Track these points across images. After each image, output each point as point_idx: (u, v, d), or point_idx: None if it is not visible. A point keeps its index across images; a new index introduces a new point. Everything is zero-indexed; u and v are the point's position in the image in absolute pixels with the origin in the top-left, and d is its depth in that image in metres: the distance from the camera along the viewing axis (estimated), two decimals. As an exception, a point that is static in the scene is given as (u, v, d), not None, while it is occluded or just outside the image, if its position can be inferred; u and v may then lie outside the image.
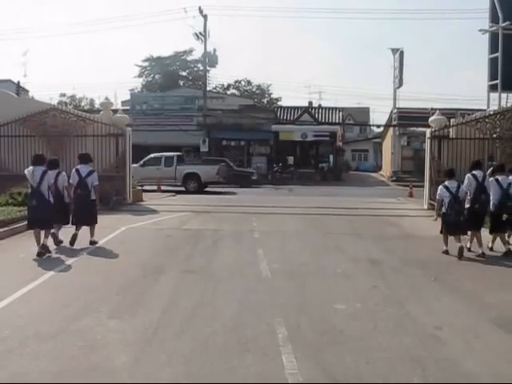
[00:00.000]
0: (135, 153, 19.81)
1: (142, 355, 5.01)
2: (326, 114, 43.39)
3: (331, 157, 40.18)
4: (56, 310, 6.42)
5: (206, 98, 38.86)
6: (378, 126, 54.96)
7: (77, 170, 10.98)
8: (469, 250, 10.32)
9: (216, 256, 9.87)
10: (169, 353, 5.06)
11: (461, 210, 10.24)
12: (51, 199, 9.94)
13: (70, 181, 10.88)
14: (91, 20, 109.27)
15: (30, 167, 9.99)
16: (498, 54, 25.24)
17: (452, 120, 18.25)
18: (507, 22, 25.00)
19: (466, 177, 10.72)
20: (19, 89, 37.74)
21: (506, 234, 10.59)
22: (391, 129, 42.16)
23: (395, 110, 40.18)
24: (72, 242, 10.35)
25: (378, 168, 54.53)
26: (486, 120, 17.01)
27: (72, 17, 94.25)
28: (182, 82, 61.45)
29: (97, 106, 49.19)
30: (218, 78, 69.00)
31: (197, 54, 57.33)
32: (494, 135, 16.82)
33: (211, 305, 6.72)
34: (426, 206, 17.41)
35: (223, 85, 63.24)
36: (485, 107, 25.02)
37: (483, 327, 5.97)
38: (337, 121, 42.81)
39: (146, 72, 63.49)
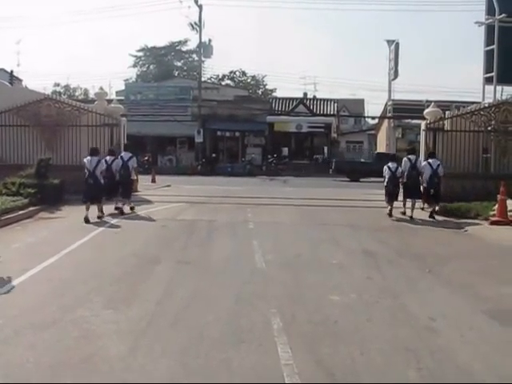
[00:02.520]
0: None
1: (137, 346, 5.00)
2: (321, 106, 43.32)
3: (326, 148, 40.17)
4: (51, 300, 6.40)
5: (201, 88, 38.70)
6: (373, 118, 54.78)
7: (121, 157, 14.19)
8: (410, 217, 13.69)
9: (211, 247, 9.87)
10: (164, 343, 5.06)
11: (397, 184, 13.98)
12: (102, 181, 13.03)
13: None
14: (85, 9, 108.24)
15: (88, 157, 13.08)
16: (494, 47, 25.23)
17: (447, 112, 18.26)
18: (503, 15, 24.99)
19: (403, 160, 14.27)
20: (12, 78, 37.45)
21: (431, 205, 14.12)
22: (386, 121, 42.17)
23: (390, 102, 40.17)
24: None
25: (372, 160, 54.46)
26: (481, 112, 17.04)
27: (66, 6, 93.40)
28: (176, 73, 61.18)
29: (91, 96, 49.01)
30: (213, 68, 68.93)
31: (192, 45, 57.07)
32: (489, 128, 16.86)
33: (206, 296, 6.71)
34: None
35: (218, 75, 62.94)
36: (480, 100, 25.07)
37: (478, 319, 5.99)
38: (332, 112, 42.74)
39: (140, 62, 63.18)
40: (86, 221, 11.95)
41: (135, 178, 14.96)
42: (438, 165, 13.99)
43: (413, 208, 13.80)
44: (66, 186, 15.27)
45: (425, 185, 13.97)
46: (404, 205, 14.02)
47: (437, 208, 14.00)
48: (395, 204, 13.93)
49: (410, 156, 14.22)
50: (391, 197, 13.91)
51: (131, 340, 5.14)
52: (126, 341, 5.13)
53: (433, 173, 13.78)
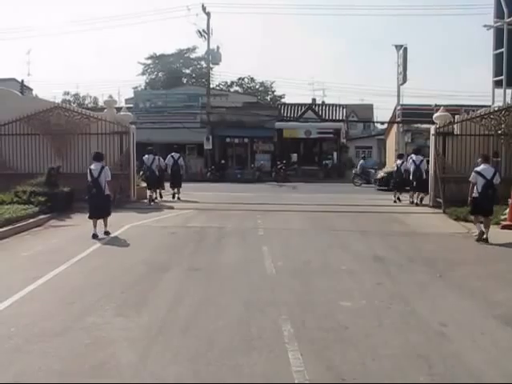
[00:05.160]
0: (139, 150, 19.78)
1: (148, 353, 5.01)
2: (330, 111, 43.22)
3: (335, 154, 40.08)
4: (61, 308, 6.43)
5: (210, 95, 38.78)
6: (382, 123, 54.58)
7: (172, 156, 19.69)
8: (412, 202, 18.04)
9: (220, 253, 9.87)
10: (174, 350, 5.06)
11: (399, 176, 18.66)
12: (157, 173, 18.38)
13: (166, 161, 19.47)
14: (94, 18, 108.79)
15: (146, 155, 18.45)
16: (503, 50, 25.07)
17: (456, 116, 18.16)
18: (512, 18, 24.82)
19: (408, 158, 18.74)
20: (23, 87, 37.80)
21: (415, 194, 17.91)
22: (395, 125, 41.97)
23: (399, 107, 39.98)
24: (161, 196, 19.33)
25: (381, 165, 54.35)
26: (491, 116, 16.94)
27: (75, 15, 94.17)
28: (185, 80, 61.43)
29: (100, 104, 49.17)
30: (221, 75, 68.99)
31: (200, 52, 57.23)
32: (499, 131, 16.76)
33: (216, 302, 6.71)
34: (430, 203, 17.34)
35: (226, 82, 63.13)
36: (489, 103, 24.89)
37: (489, 324, 5.95)
38: (340, 118, 42.61)
39: (149, 70, 63.47)
40: (151, 201, 17.93)
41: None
42: (421, 160, 17.46)
43: (411, 196, 18.23)
44: (77, 194, 15.30)
45: (411, 177, 17.61)
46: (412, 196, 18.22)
47: (421, 195, 17.59)
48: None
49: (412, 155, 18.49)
50: (396, 186, 18.70)
51: (142, 347, 5.15)
52: (136, 348, 5.14)
53: (416, 168, 17.44)
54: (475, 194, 11.20)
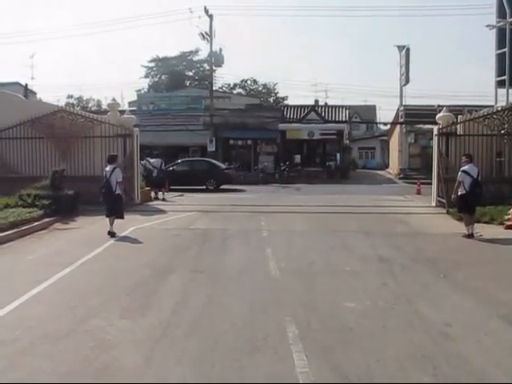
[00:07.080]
0: (142, 153, 19.87)
1: (152, 355, 5.02)
2: (333, 112, 43.26)
3: (338, 155, 40.06)
4: (66, 310, 6.45)
5: (213, 97, 38.78)
6: (385, 124, 54.61)
7: (147, 161, 21.44)
8: None
9: (224, 255, 9.88)
10: (178, 352, 5.07)
11: None
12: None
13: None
14: (97, 21, 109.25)
15: (154, 159, 21.87)
16: (506, 50, 25.06)
17: (459, 117, 18.15)
18: (514, 18, 24.82)
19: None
20: (27, 91, 37.91)
21: None
22: (398, 126, 41.98)
23: (402, 108, 39.98)
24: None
25: (385, 166, 54.33)
26: (494, 116, 16.92)
27: (78, 18, 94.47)
28: (188, 82, 61.52)
29: (104, 106, 49.43)
30: (224, 77, 68.78)
31: (203, 54, 57.38)
32: (502, 131, 16.74)
33: (220, 304, 6.72)
34: (434, 204, 17.33)
35: (229, 84, 63.35)
36: (492, 103, 24.88)
37: (493, 324, 5.94)
38: (343, 119, 42.64)
39: (152, 72, 63.66)
40: (163, 199, 20.16)
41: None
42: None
43: None
44: (81, 196, 15.37)
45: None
46: None
47: None
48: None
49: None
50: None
51: (146, 349, 5.16)
52: (141, 350, 5.15)
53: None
54: (462, 191, 11.48)
